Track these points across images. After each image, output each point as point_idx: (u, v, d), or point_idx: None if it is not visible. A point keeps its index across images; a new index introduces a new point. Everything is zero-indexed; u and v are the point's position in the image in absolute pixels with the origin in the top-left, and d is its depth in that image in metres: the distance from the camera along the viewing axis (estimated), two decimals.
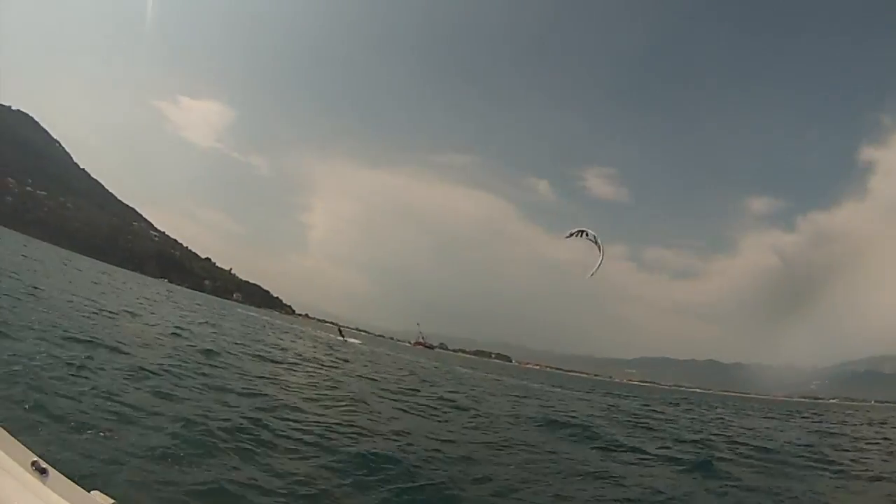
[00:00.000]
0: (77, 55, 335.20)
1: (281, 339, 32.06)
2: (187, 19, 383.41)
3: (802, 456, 13.02)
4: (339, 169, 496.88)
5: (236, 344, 20.62)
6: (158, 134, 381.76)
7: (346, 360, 26.68)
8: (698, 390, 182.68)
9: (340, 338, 57.63)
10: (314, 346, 33.50)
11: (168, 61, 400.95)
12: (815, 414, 41.80)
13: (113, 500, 2.24)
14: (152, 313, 24.99)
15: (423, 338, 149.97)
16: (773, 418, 30.80)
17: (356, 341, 59.43)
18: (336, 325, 74.33)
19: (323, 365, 21.15)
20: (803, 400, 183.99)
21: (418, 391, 18.10)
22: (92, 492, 2.25)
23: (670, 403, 37.66)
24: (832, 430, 23.56)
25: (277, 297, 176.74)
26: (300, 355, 23.02)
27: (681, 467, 10.23)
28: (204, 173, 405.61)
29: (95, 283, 35.55)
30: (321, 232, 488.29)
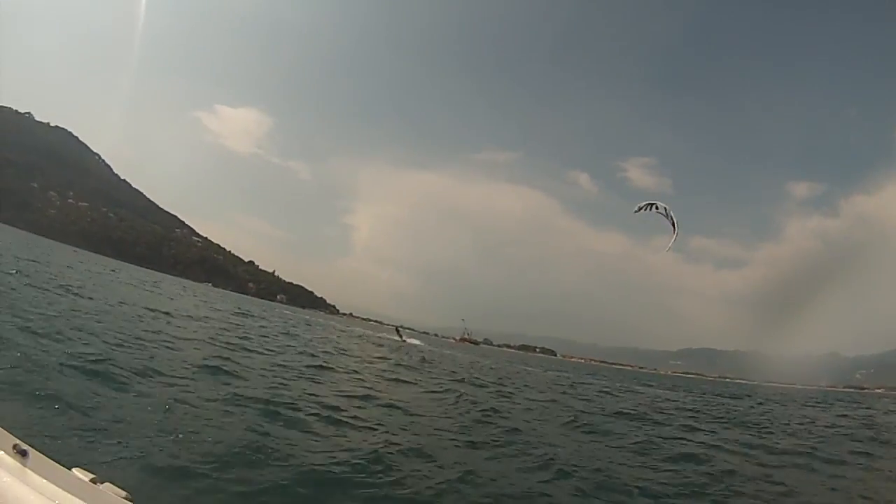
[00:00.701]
0: (113, 70, 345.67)
1: (350, 343, 31.83)
2: (222, 31, 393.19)
3: None
4: (382, 171, 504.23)
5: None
6: (198, 142, 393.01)
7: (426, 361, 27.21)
8: (741, 381, 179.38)
9: (398, 338, 54.89)
10: (392, 353, 32.51)
11: (204, 72, 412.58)
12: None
13: (93, 475, 2.24)
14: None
15: (468, 333, 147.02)
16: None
17: (417, 342, 56.05)
18: (395, 326, 70.19)
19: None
20: (847, 390, 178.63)
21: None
22: (73, 469, 2.27)
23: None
24: None
25: (321, 298, 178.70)
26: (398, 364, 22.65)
27: None
28: (245, 179, 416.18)
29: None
30: (365, 233, 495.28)
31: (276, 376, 11.20)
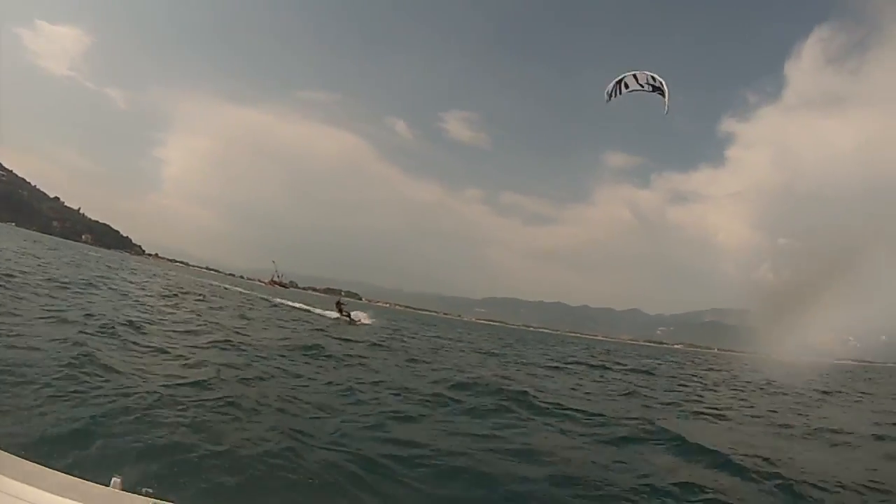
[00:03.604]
0: None
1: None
2: None
3: None
4: (201, 103, 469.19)
5: None
6: (11, 61, 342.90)
7: None
8: (546, 330, 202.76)
9: (339, 315, 31.94)
10: None
11: None
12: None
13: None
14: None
15: (278, 276, 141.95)
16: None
17: (368, 320, 32.77)
18: (337, 299, 40.71)
19: None
20: (649, 344, 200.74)
21: None
22: None
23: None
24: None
25: (128, 237, 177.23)
26: None
27: None
28: (55, 104, 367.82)
29: None
30: (176, 169, 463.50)
31: None
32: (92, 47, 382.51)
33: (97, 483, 2.12)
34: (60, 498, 1.98)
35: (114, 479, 2.18)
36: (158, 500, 2.04)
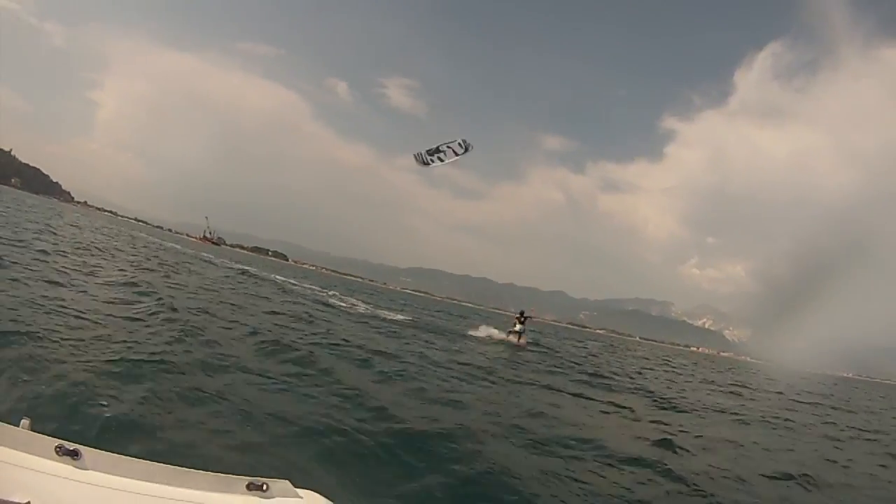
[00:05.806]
0: None
1: None
2: None
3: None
4: (141, 45, 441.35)
5: None
6: None
7: None
8: (469, 304, 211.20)
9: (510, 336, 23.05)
10: None
11: None
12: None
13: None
14: None
15: (210, 232, 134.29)
16: None
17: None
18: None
19: None
20: (571, 326, 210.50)
21: None
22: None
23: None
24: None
25: (57, 183, 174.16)
26: None
27: None
28: None
29: None
30: (109, 113, 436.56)
31: None
32: None
33: (6, 423, 2.12)
34: None
35: (23, 421, 2.20)
36: (65, 442, 2.02)
